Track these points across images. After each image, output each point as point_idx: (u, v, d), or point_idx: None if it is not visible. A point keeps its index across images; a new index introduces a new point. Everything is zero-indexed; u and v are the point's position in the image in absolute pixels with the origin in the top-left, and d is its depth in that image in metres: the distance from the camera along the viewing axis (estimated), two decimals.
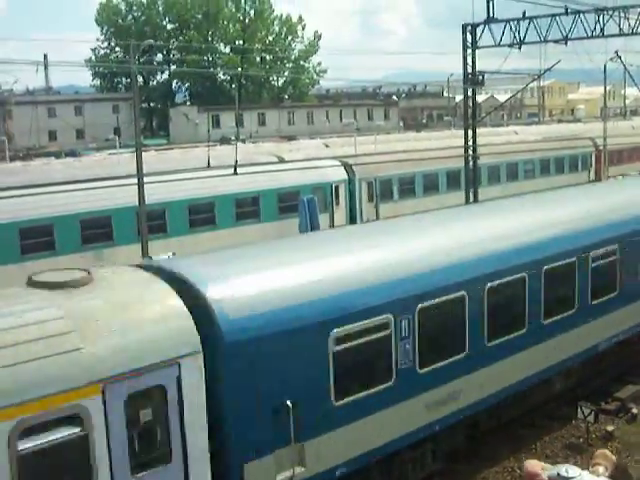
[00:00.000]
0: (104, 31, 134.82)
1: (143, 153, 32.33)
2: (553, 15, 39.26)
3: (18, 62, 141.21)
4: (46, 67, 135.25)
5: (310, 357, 14.30)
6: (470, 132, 42.76)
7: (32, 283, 12.82)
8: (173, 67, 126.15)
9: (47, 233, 32.46)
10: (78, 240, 33.10)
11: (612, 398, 22.81)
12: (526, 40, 40.42)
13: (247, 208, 38.79)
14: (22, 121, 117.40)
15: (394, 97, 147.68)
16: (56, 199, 32.82)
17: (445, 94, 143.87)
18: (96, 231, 33.62)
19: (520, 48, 40.87)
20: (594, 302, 21.44)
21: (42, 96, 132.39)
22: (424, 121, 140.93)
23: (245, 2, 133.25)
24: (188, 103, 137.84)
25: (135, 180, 30.80)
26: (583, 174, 60.77)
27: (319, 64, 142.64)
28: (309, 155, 49.23)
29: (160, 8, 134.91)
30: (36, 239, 32.21)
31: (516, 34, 40.28)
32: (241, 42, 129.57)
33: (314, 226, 35.71)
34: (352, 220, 43.10)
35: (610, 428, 20.79)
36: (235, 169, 33.91)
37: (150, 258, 24.35)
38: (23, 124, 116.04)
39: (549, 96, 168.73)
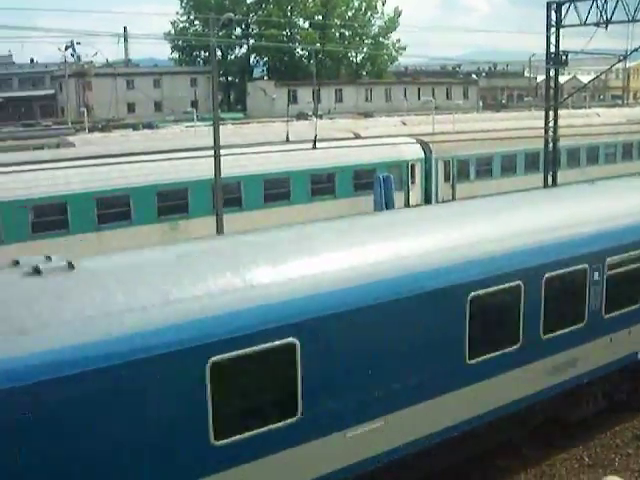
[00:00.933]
0: (184, 4, 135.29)
1: (220, 127, 32.29)
2: None
3: (99, 34, 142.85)
4: (126, 40, 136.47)
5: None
6: (551, 113, 42.01)
7: None
8: (252, 41, 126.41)
9: (123, 204, 32.68)
10: (154, 211, 33.26)
11: None
12: (613, 19, 39.44)
13: (322, 184, 38.60)
14: (101, 93, 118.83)
15: (474, 76, 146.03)
16: (133, 170, 33.02)
17: (526, 74, 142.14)
18: (172, 203, 33.74)
19: (607, 27, 39.84)
20: None
21: (121, 68, 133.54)
22: (504, 101, 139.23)
23: None
24: (266, 78, 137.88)
25: (212, 153, 30.80)
26: None
27: (398, 41, 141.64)
28: (386, 133, 48.87)
29: None
30: (112, 209, 32.45)
31: (603, 13, 39.31)
32: (320, 17, 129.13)
33: (389, 204, 35.49)
34: (427, 200, 42.72)
35: None
36: (314, 143, 33.75)
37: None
38: (102, 96, 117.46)
39: (635, 78, 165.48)
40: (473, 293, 15.10)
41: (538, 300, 16.44)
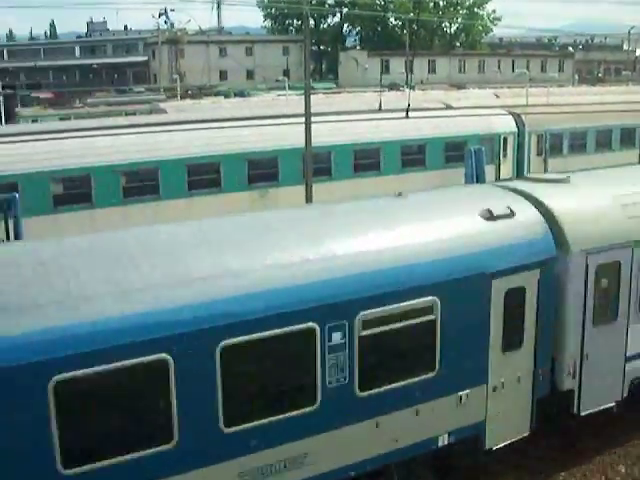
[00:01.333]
0: None
1: (311, 96, 32.16)
2: None
3: (192, 1, 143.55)
4: (219, 7, 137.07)
5: None
6: None
7: None
8: (345, 10, 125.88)
9: (214, 171, 32.79)
10: (244, 179, 33.32)
11: None
12: None
13: (413, 155, 38.24)
14: (194, 60, 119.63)
15: (570, 49, 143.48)
16: (224, 137, 33.08)
17: (625, 47, 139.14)
18: (262, 171, 33.76)
19: None
20: None
21: (214, 36, 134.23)
22: (600, 75, 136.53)
23: None
24: (358, 47, 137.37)
25: (302, 121, 30.68)
26: None
27: (493, 11, 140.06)
28: (478, 104, 48.25)
29: None
30: (203, 176, 32.59)
31: None
32: None
33: (480, 177, 35.03)
34: (519, 173, 42.07)
35: None
36: (407, 113, 33.42)
37: None
38: (194, 63, 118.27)
39: None
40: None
41: (210, 379, 11.92)
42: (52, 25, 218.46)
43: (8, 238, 26.86)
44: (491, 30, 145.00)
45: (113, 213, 29.58)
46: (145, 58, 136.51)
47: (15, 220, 26.90)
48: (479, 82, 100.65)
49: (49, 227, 27.73)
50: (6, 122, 61.37)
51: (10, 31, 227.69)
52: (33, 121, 54.73)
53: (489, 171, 37.89)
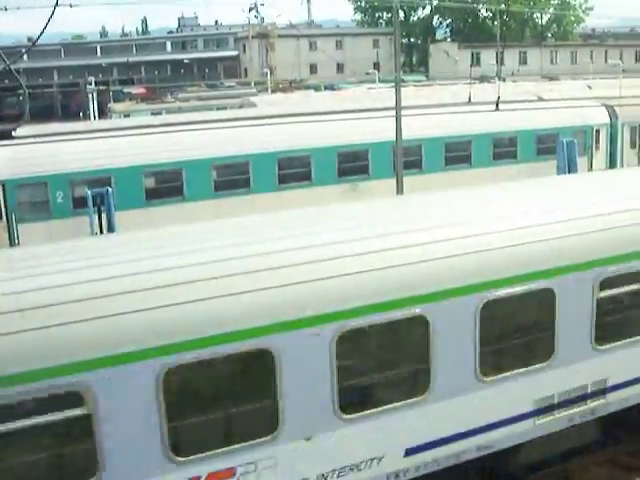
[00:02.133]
0: None
1: (402, 88, 32.08)
2: None
3: None
4: (309, 1, 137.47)
5: None
6: None
7: None
8: (435, 2, 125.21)
9: (304, 164, 32.93)
10: (334, 172, 33.39)
11: None
12: None
13: (504, 148, 37.89)
14: (284, 54, 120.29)
15: None
16: (314, 131, 33.21)
17: None
18: (352, 164, 33.80)
19: None
20: None
21: (304, 30, 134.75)
22: None
23: None
24: (448, 39, 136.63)
25: (393, 114, 30.62)
26: None
27: (585, 1, 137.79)
28: (570, 96, 47.57)
29: None
30: (293, 169, 32.77)
31: None
32: None
33: (572, 170, 34.60)
34: (612, 165, 41.39)
35: None
36: (497, 105, 33.19)
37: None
38: (285, 57, 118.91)
39: None
40: None
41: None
42: (144, 21, 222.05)
43: (102, 231, 27.46)
44: (583, 20, 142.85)
45: (203, 207, 29.98)
46: (236, 52, 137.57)
47: (108, 214, 27.51)
48: (571, 73, 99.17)
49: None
50: (98, 117, 62.51)
51: (103, 28, 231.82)
52: (125, 116, 55.64)
53: (581, 163, 37.40)
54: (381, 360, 12.22)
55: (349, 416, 11.56)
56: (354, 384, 11.79)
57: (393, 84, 33.96)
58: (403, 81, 50.30)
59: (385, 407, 11.87)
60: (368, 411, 11.76)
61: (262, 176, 31.78)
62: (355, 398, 11.80)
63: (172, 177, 30.80)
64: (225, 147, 31.45)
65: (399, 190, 29.41)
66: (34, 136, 31.52)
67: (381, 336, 11.99)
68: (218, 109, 53.50)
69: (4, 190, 28.35)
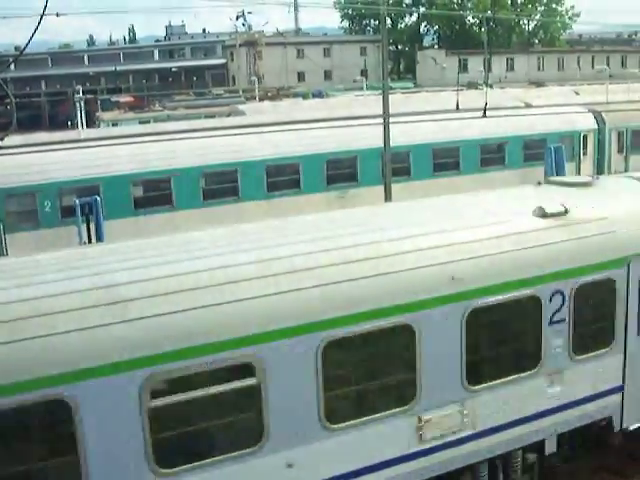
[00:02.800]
0: None
1: (389, 96, 32.12)
2: None
3: (269, 3, 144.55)
4: (296, 8, 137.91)
5: None
6: None
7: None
8: (422, 9, 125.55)
9: (293, 171, 32.97)
10: (323, 179, 33.43)
11: None
12: None
13: (492, 154, 38.00)
14: (272, 62, 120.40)
15: None
16: (303, 139, 33.24)
17: None
18: (341, 171, 33.85)
19: None
20: None
21: (292, 37, 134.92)
22: None
23: None
24: (436, 46, 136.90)
25: (381, 121, 30.66)
26: None
27: (572, 7, 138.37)
28: (558, 102, 47.71)
29: None
30: (281, 177, 32.82)
31: None
32: None
33: (560, 175, 34.70)
34: (599, 171, 41.51)
35: None
36: (484, 111, 33.25)
37: None
38: (273, 65, 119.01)
39: None
40: None
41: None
42: (131, 30, 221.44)
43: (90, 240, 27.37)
44: (570, 26, 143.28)
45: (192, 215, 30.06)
46: (223, 61, 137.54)
47: (97, 222, 27.46)
48: (558, 79, 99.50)
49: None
50: (86, 126, 62.38)
51: (90, 37, 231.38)
52: (113, 125, 55.60)
53: (569, 169, 37.49)
54: None
55: None
56: None
57: (381, 91, 34.00)
58: (391, 88, 50.39)
59: None
60: None
61: (251, 184, 31.81)
62: None
63: (161, 186, 30.82)
64: (213, 156, 31.47)
65: (387, 197, 29.44)
66: (22, 146, 31.46)
67: None
68: (206, 117, 53.51)
69: None
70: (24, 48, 24.07)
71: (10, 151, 30.09)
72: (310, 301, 11.05)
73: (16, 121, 31.59)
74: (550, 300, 13.05)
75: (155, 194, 30.91)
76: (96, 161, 29.92)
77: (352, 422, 11.45)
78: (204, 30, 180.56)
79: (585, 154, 41.09)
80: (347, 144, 33.87)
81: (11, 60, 59.30)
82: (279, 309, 10.80)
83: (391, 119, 30.14)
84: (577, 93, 61.17)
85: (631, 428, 14.68)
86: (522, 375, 13.06)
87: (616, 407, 14.37)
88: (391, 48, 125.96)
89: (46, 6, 13.52)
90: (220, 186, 31.81)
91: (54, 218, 29.11)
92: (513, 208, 14.46)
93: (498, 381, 12.81)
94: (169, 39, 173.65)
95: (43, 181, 28.98)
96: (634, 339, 14.28)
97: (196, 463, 10.42)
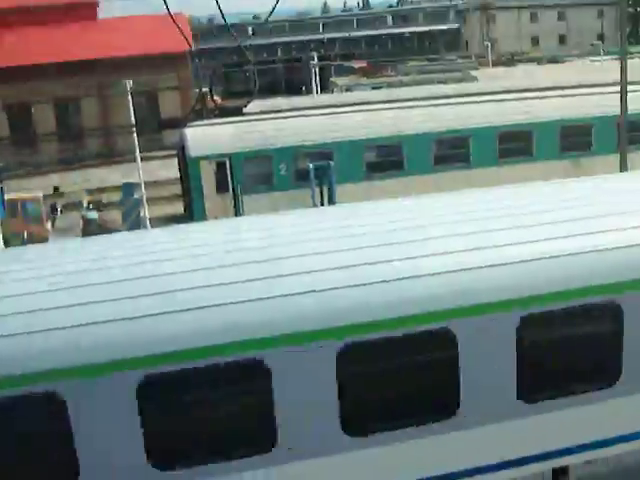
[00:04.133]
0: None
1: (628, 60, 31.11)
2: None
3: None
4: None
5: None
6: None
7: None
8: None
9: (524, 139, 32.64)
10: (556, 147, 32.92)
11: None
12: None
13: None
14: (505, 26, 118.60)
15: None
16: (536, 105, 32.86)
17: None
18: (575, 139, 33.19)
19: None
20: None
21: (526, 1, 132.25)
22: None
23: None
24: None
25: (617, 88, 29.77)
26: None
27: None
28: None
29: None
30: (513, 144, 32.55)
31: None
32: None
33: None
34: None
35: None
36: None
37: None
38: (506, 29, 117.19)
39: None
40: None
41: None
42: None
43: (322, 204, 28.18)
44: None
45: (423, 181, 30.30)
46: (456, 25, 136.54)
47: (329, 187, 28.23)
48: None
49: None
50: (321, 92, 63.58)
51: (325, 3, 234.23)
52: (346, 90, 56.39)
53: None
54: None
55: None
56: None
57: (618, 56, 33.00)
58: (629, 53, 48.76)
59: None
60: None
61: (482, 150, 31.79)
62: None
63: (392, 151, 31.26)
64: (445, 123, 31.66)
65: (622, 167, 28.61)
66: (260, 112, 32.64)
67: None
68: (439, 83, 53.50)
69: (231, 163, 29.58)
70: (268, 16, 24.97)
71: (249, 117, 31.55)
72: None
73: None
74: None
75: (387, 160, 31.40)
76: (330, 127, 30.71)
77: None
78: None
79: None
80: (582, 111, 33.17)
81: (253, 30, 61.08)
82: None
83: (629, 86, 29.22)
84: None
85: None
86: None
87: None
88: (630, 10, 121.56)
89: None
90: (451, 152, 31.96)
91: (288, 181, 30.11)
92: None
93: None
94: (402, 4, 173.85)
95: (280, 145, 30.01)
96: None
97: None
